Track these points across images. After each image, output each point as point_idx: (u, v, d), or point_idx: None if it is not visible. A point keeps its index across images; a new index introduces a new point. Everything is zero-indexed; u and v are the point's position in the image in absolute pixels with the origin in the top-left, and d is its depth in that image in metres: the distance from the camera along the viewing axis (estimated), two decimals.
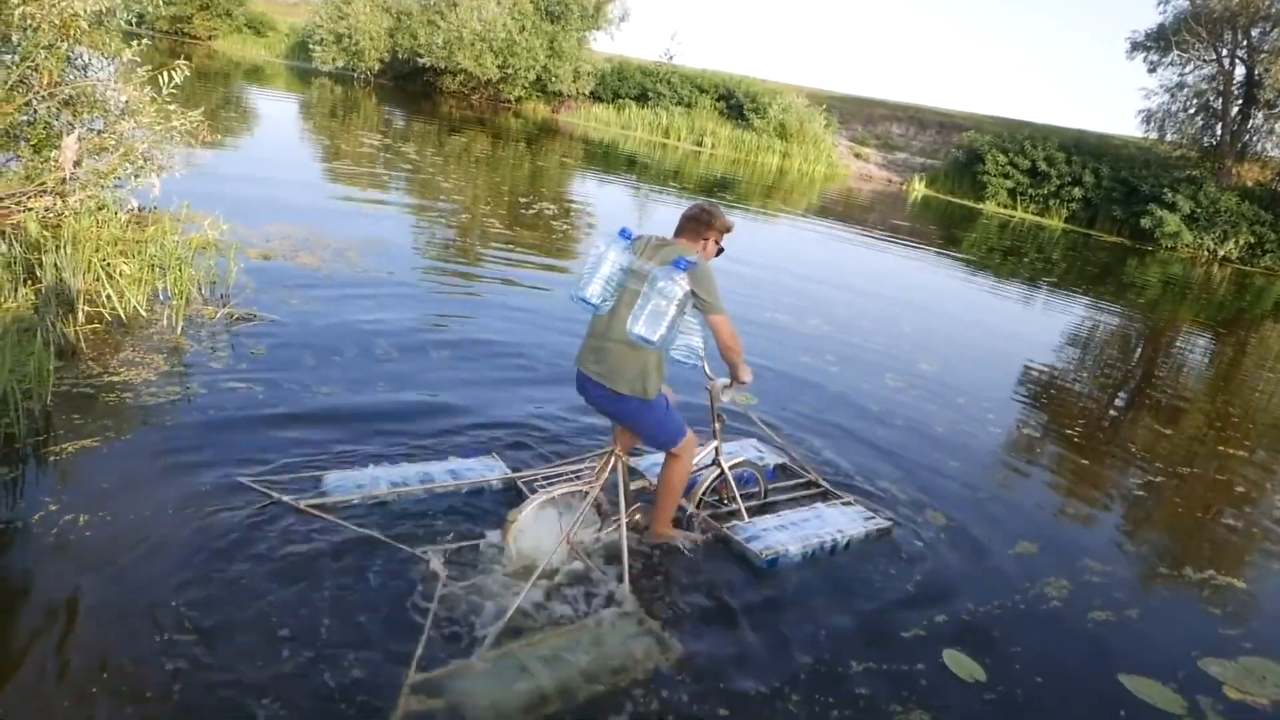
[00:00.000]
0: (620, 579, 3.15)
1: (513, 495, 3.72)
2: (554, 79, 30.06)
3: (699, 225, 3.30)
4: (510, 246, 8.91)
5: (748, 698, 2.72)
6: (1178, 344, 10.90)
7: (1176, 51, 25.78)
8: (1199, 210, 23.57)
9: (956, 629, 3.33)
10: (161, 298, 5.36)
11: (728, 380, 3.62)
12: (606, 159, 20.70)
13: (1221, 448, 6.33)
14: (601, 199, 13.78)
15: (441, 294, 6.91)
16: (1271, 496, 5.58)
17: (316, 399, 4.37)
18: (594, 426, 4.49)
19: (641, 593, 3.16)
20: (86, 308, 4.83)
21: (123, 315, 4.91)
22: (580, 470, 3.90)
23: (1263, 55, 23.88)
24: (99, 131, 6.29)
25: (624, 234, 3.25)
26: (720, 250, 3.39)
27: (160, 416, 3.90)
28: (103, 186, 6.07)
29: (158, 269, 5.45)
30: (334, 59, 31.17)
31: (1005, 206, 27.35)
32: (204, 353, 4.68)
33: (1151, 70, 26.78)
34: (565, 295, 4.48)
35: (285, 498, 3.36)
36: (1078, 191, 26.26)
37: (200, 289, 5.60)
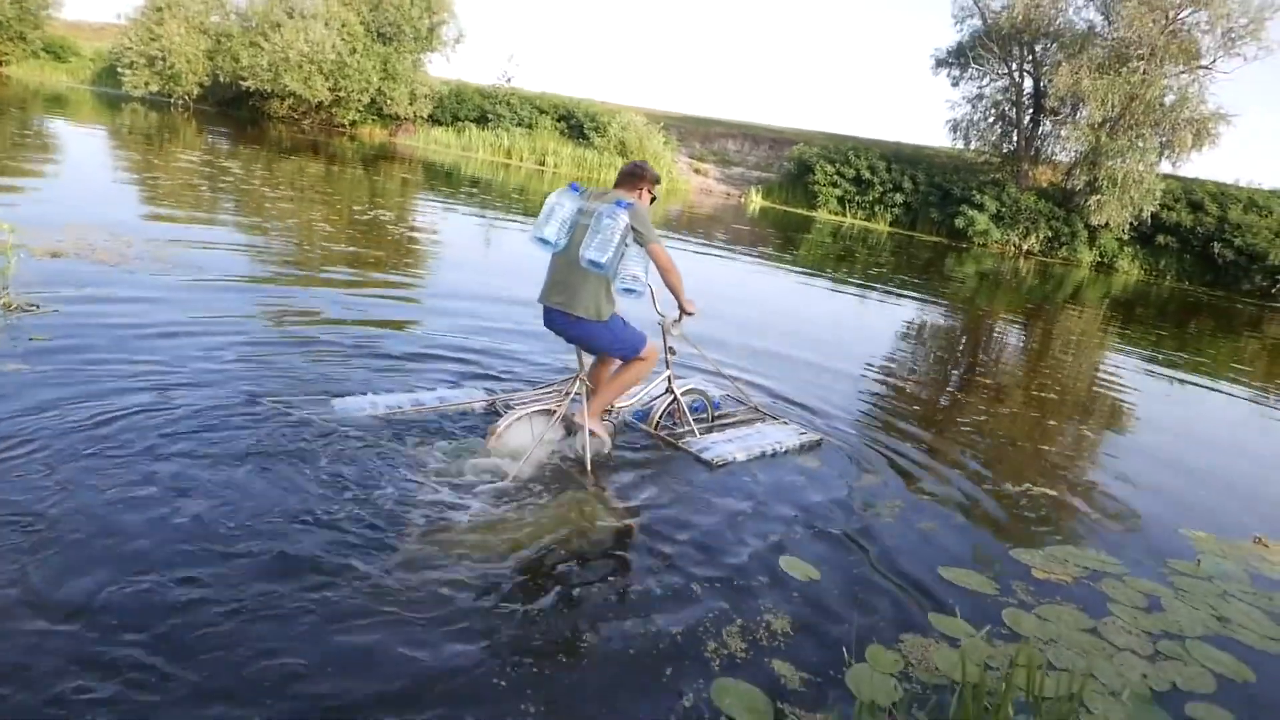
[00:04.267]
0: (583, 473, 3.89)
1: (493, 417, 4.24)
2: (389, 102, 29.43)
3: (634, 178, 4.02)
4: (336, 252, 8.41)
5: (677, 553, 3.36)
6: (996, 330, 11.82)
7: (974, 66, 28.24)
8: (1003, 209, 25.80)
9: (797, 539, 3.65)
10: None
11: (676, 315, 4.33)
12: (450, 179, 20.37)
13: (1039, 394, 6.92)
14: (447, 222, 13.45)
15: (252, 293, 6.11)
16: (1080, 444, 6.10)
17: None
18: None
19: (607, 479, 3.95)
20: None
21: None
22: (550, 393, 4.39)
23: (1045, 68, 26.49)
24: None
25: (573, 187, 3.91)
26: (654, 199, 4.10)
27: None
28: None
29: None
30: (146, 83, 29.16)
31: (836, 213, 28.97)
32: None
33: (954, 84, 29.21)
34: (388, 310, 5.45)
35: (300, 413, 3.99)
36: (899, 197, 28.18)
37: None
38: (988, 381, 7.95)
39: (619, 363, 4.17)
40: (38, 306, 5.02)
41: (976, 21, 28.11)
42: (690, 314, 4.27)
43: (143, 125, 21.48)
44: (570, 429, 4.17)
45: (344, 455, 3.65)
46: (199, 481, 3.23)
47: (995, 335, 11.35)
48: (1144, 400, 8.25)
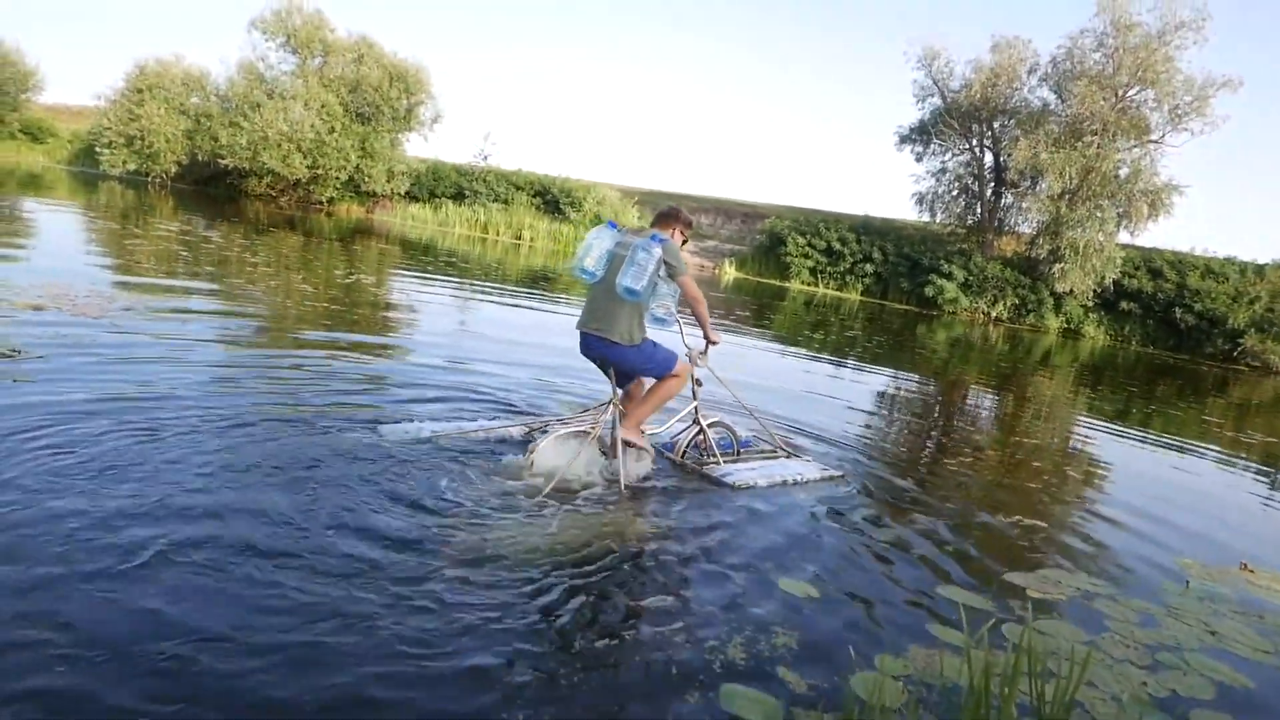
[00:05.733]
0: (620, 489, 4.13)
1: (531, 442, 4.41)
2: (367, 179, 29.87)
3: (668, 219, 4.36)
4: (310, 314, 8.40)
5: (693, 570, 3.48)
6: (973, 392, 12.02)
7: (936, 142, 29.33)
8: (971, 278, 26.44)
9: (804, 561, 3.71)
10: None
11: (702, 347, 4.62)
12: (427, 252, 20.57)
13: (1022, 443, 7.01)
14: (423, 296, 13.54)
15: (228, 352, 5.93)
16: (1065, 485, 6.15)
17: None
18: None
19: (635, 498, 4.18)
20: None
21: None
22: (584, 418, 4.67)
23: (1004, 143, 27.57)
24: None
25: (611, 225, 4.28)
26: (685, 240, 4.40)
27: None
28: None
29: None
30: (124, 162, 29.43)
31: (808, 284, 29.51)
32: None
33: (918, 159, 30.27)
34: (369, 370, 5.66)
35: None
36: (869, 267, 28.80)
37: None
38: (973, 436, 8.07)
39: (650, 383, 4.47)
40: (19, 352, 4.99)
41: (936, 100, 29.34)
42: (715, 343, 4.59)
43: (120, 202, 21.60)
44: (604, 451, 4.42)
45: (390, 473, 3.89)
46: (258, 495, 3.44)
47: (973, 397, 11.53)
48: (1120, 451, 8.39)
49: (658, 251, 4.00)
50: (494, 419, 5.11)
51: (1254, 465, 8.68)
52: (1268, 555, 5.04)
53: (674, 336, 4.71)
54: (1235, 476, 8.04)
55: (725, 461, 4.88)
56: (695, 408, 4.87)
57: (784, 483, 4.73)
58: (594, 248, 4.14)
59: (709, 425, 4.92)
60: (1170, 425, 10.92)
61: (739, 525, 4.00)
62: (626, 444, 4.31)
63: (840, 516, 4.41)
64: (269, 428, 4.31)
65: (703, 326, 4.46)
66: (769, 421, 5.80)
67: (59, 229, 13.74)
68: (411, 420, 4.72)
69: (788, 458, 5.25)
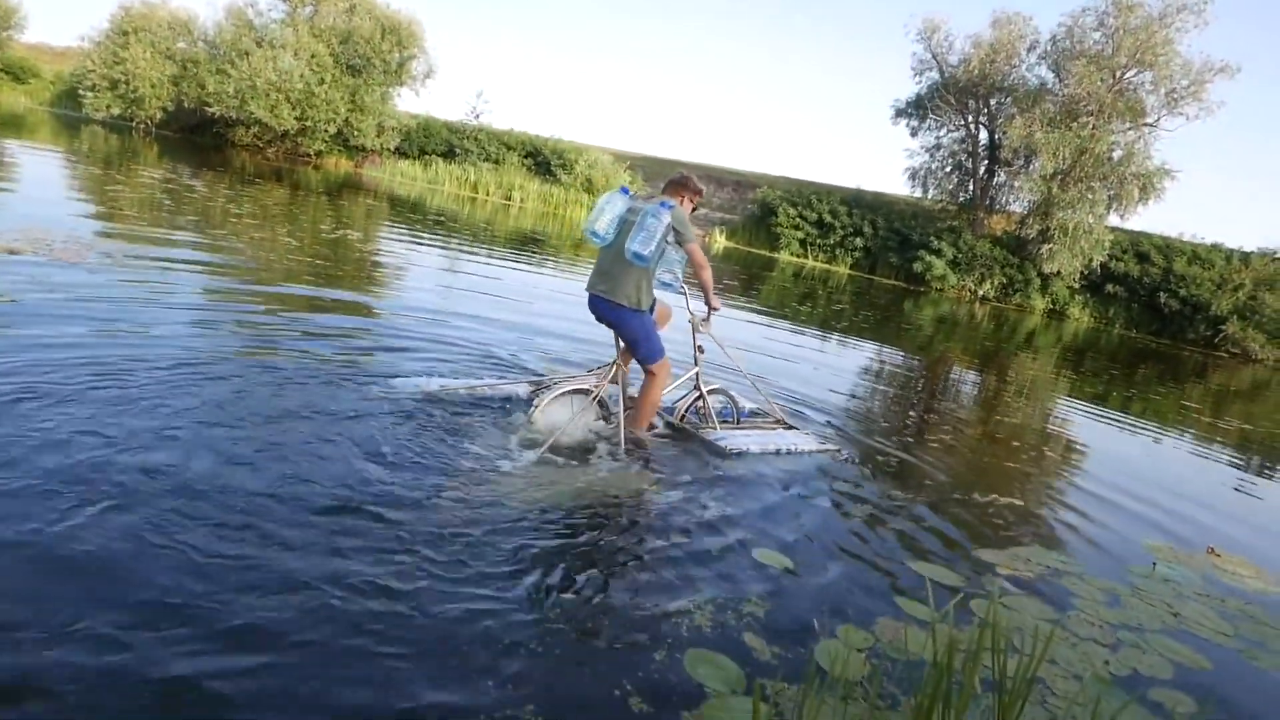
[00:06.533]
0: (617, 447, 4.25)
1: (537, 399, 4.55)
2: (356, 133, 29.43)
3: (678, 186, 4.45)
4: (294, 268, 8.32)
5: (699, 517, 3.72)
6: (958, 369, 12.06)
7: (932, 117, 29.16)
8: (960, 256, 26.45)
9: (779, 530, 3.73)
10: None
11: (705, 313, 4.70)
12: (415, 210, 20.34)
13: (1003, 422, 7.06)
14: (410, 254, 13.39)
15: (204, 295, 6.02)
16: (1042, 465, 6.23)
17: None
18: None
19: (632, 457, 4.26)
20: None
21: None
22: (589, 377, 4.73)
23: (1000, 121, 27.44)
24: None
25: (623, 190, 4.37)
26: (695, 208, 4.50)
27: None
28: None
29: None
30: (108, 106, 28.88)
31: (798, 255, 29.44)
32: None
33: (913, 134, 30.10)
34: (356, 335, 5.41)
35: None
36: (859, 241, 28.75)
37: None
38: (955, 413, 8.11)
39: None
40: None
41: (934, 74, 29.11)
42: (716, 309, 4.69)
43: (103, 147, 21.22)
44: (605, 410, 4.56)
45: (399, 423, 4.09)
46: (278, 436, 3.66)
47: (956, 375, 11.58)
48: (1099, 436, 8.46)
49: (666, 218, 4.09)
50: (501, 377, 5.31)
51: (1228, 451, 8.78)
52: (1236, 540, 5.11)
53: (678, 299, 4.84)
54: (1209, 462, 8.12)
55: (723, 428, 4.96)
56: (697, 374, 4.95)
57: (777, 451, 4.82)
58: (605, 212, 4.24)
59: (709, 392, 5.02)
60: (1149, 409, 11.01)
61: (724, 493, 4.05)
62: (637, 444, 4.46)
63: (820, 488, 4.44)
64: (237, 372, 4.40)
65: (705, 292, 4.57)
66: (770, 392, 5.85)
67: (39, 173, 13.49)
68: (421, 376, 4.90)
69: (786, 429, 5.30)
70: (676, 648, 2.55)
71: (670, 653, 2.51)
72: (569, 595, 2.80)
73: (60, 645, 2.05)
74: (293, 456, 3.46)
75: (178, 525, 2.71)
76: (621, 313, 4.28)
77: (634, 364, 4.64)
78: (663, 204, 4.16)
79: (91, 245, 7.09)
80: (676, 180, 4.47)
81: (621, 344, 4.50)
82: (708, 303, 4.65)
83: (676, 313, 4.87)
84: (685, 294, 4.76)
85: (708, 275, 4.42)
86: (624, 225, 4.22)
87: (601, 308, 4.35)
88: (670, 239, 4.20)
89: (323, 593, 2.50)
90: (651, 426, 4.75)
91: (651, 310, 4.43)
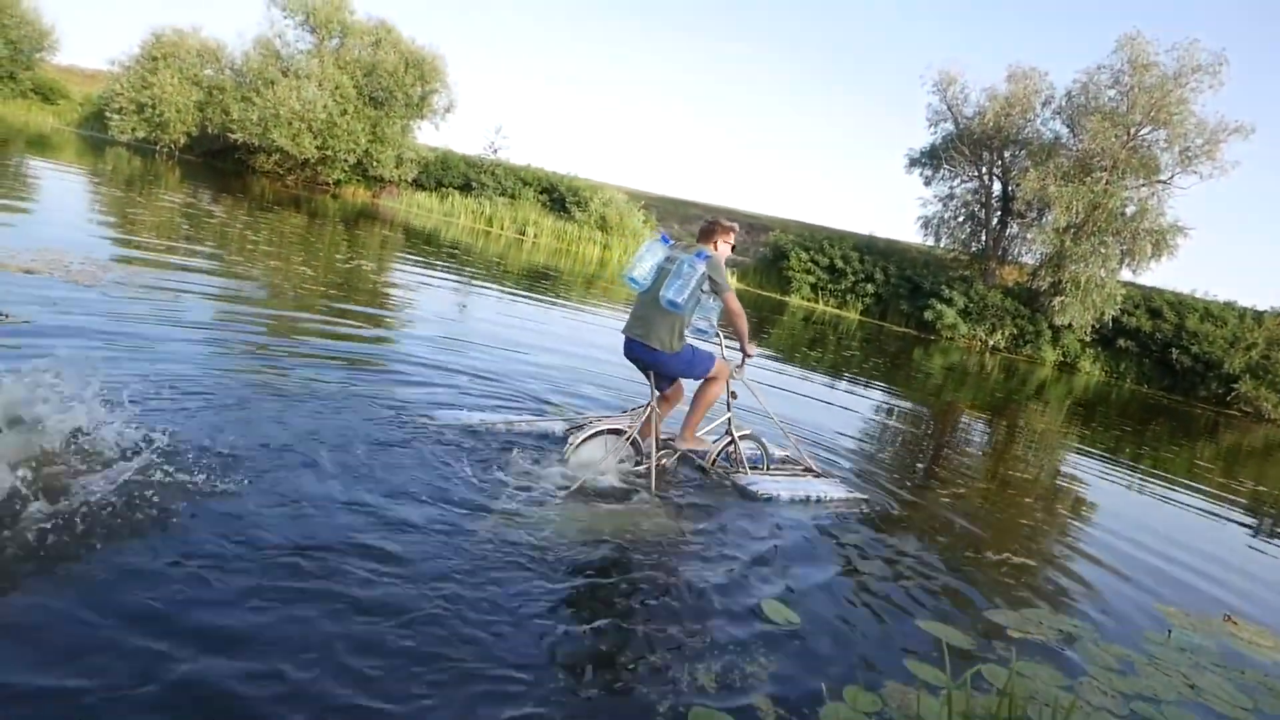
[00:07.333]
0: (649, 489, 4.35)
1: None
2: (375, 164, 29.81)
3: (708, 234, 4.59)
4: (314, 292, 8.34)
5: (718, 563, 3.72)
6: (968, 420, 11.98)
7: (946, 167, 29.37)
8: (971, 305, 26.44)
9: (790, 584, 3.67)
10: None
11: (739, 359, 4.82)
12: (430, 241, 20.48)
13: (1013, 477, 6.97)
14: (423, 286, 13.46)
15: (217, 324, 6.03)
16: (1054, 523, 6.15)
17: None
18: None
19: (658, 500, 4.32)
20: None
21: None
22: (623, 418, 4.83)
23: (1014, 173, 27.59)
24: None
25: (664, 239, 4.54)
26: (732, 247, 4.65)
27: None
28: None
29: None
30: (134, 129, 29.37)
31: (808, 299, 29.50)
32: None
33: (927, 183, 30.33)
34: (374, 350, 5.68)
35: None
36: (870, 287, 28.80)
37: None
38: (965, 465, 8.02)
39: (682, 393, 4.81)
40: (7, 316, 4.93)
41: (949, 125, 29.39)
42: (750, 356, 4.79)
43: (126, 169, 21.50)
44: (638, 449, 4.64)
45: (440, 453, 4.26)
46: (331, 459, 3.83)
47: (967, 425, 11.49)
48: (1110, 492, 8.35)
49: (701, 267, 4.23)
50: (539, 415, 5.49)
51: (1240, 513, 8.65)
52: (1251, 607, 5.00)
53: (714, 348, 4.91)
54: (1221, 524, 8.00)
55: (754, 474, 5.01)
56: (729, 419, 5.01)
57: (807, 499, 4.88)
58: (645, 259, 4.42)
59: (741, 437, 5.07)
60: (1160, 466, 10.88)
61: (743, 540, 4.07)
62: (690, 453, 4.75)
63: (834, 539, 4.40)
64: (241, 400, 4.41)
65: (740, 340, 4.70)
66: (800, 440, 5.90)
67: (61, 193, 13.65)
68: (462, 410, 5.09)
69: (815, 476, 5.34)
70: (679, 705, 2.48)
71: (674, 707, 2.45)
72: (577, 642, 2.77)
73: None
74: (322, 482, 3.55)
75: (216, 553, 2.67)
76: (657, 355, 4.43)
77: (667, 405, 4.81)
78: (699, 254, 4.28)
79: (107, 268, 7.13)
80: (706, 228, 4.60)
81: (655, 388, 4.61)
82: (742, 350, 4.77)
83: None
84: (720, 341, 4.87)
85: (743, 324, 4.56)
86: (661, 273, 4.37)
87: (638, 350, 4.49)
88: (706, 288, 4.33)
89: (337, 619, 2.54)
90: (697, 455, 4.92)
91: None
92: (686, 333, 4.50)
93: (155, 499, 2.96)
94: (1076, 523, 6.50)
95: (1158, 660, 3.67)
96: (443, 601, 2.78)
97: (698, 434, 5.07)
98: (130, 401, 3.93)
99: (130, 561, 2.61)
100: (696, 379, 4.67)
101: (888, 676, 2.95)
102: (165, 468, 3.21)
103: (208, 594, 2.53)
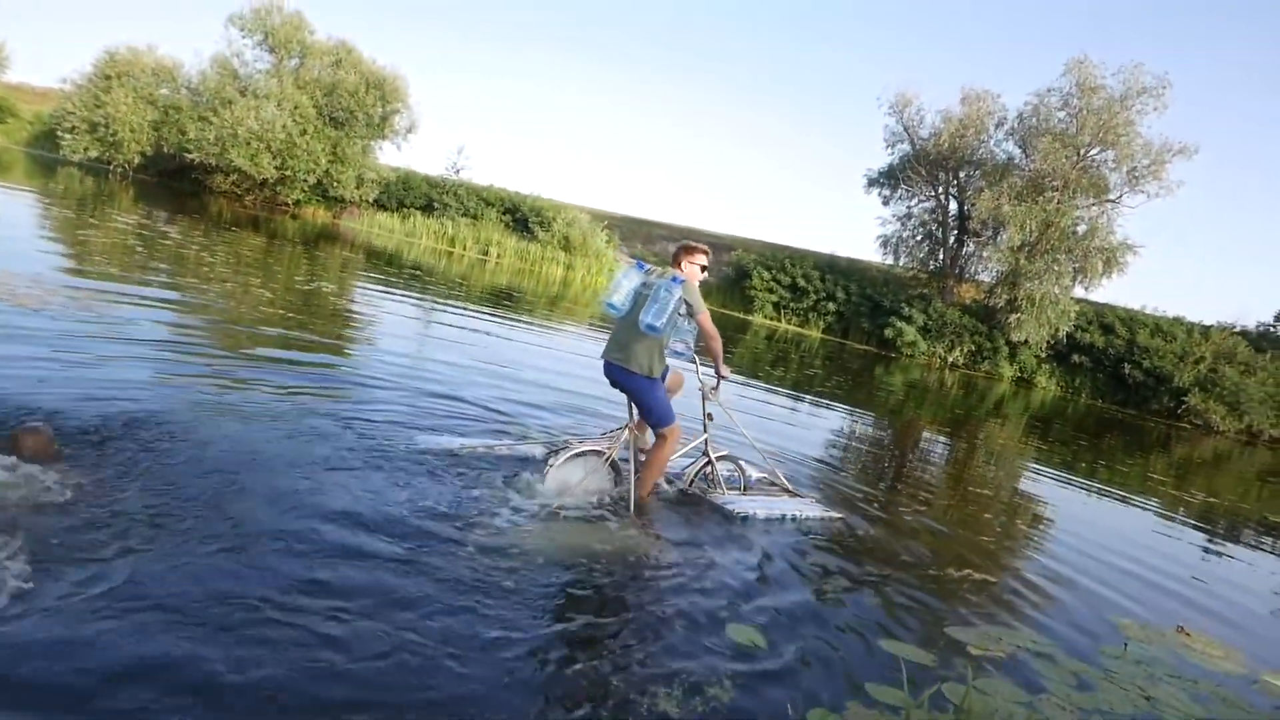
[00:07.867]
0: (628, 508, 4.47)
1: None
2: (336, 184, 29.51)
3: (682, 256, 4.67)
4: (266, 320, 8.24)
5: (689, 585, 3.78)
6: (929, 436, 12.14)
7: (903, 187, 29.91)
8: (930, 323, 26.86)
9: (756, 605, 3.71)
10: None
11: (714, 382, 4.93)
12: (391, 262, 20.32)
13: (973, 493, 7.07)
14: (385, 307, 13.34)
15: (170, 340, 5.95)
16: (1013, 537, 6.25)
17: None
18: None
19: (633, 520, 4.42)
20: None
21: None
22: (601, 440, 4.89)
23: (969, 193, 28.18)
24: None
25: (640, 265, 4.66)
26: (705, 269, 4.71)
27: None
28: None
29: None
30: (86, 148, 28.74)
31: (771, 318, 29.75)
32: None
33: (885, 203, 30.83)
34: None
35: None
36: (832, 306, 29.14)
37: None
38: (926, 481, 8.12)
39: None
40: None
41: (906, 146, 29.94)
42: (725, 377, 4.90)
43: (78, 189, 21.07)
44: (616, 471, 4.73)
45: (422, 476, 4.34)
46: (287, 486, 3.81)
47: (928, 442, 11.64)
48: (1065, 504, 8.50)
49: (678, 292, 4.34)
50: (521, 439, 5.54)
51: (1192, 524, 8.85)
52: (1203, 616, 5.11)
53: (689, 367, 5.02)
54: (1174, 535, 8.18)
55: (730, 494, 5.13)
56: (705, 440, 5.12)
57: (783, 518, 5.00)
58: (622, 285, 4.52)
59: (718, 458, 5.20)
60: (1115, 479, 11.11)
61: (713, 560, 4.15)
62: (640, 509, 4.65)
63: (799, 559, 4.46)
64: (189, 426, 4.30)
65: (715, 362, 4.82)
66: (775, 461, 5.99)
67: (9, 214, 13.33)
68: (444, 434, 5.15)
69: (791, 496, 5.46)
70: None
71: None
72: (543, 661, 2.79)
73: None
74: (300, 505, 3.59)
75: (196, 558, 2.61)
76: (635, 380, 4.51)
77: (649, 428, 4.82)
78: (674, 279, 4.39)
79: (55, 291, 6.97)
80: (677, 253, 4.71)
81: (633, 411, 4.70)
82: (717, 372, 4.87)
83: (687, 379, 5.10)
84: (696, 363, 4.94)
85: (717, 346, 4.66)
86: (639, 298, 4.48)
87: (616, 374, 4.58)
88: (682, 311, 4.43)
89: (315, 640, 2.60)
90: (656, 488, 4.93)
91: (664, 377, 4.64)
92: (665, 353, 4.58)
93: (101, 539, 2.88)
94: (1036, 536, 6.61)
95: (1114, 674, 3.74)
96: (411, 633, 2.77)
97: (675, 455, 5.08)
98: (81, 433, 3.85)
99: (74, 607, 2.54)
100: (653, 423, 4.65)
101: (849, 697, 2.97)
102: (114, 505, 3.13)
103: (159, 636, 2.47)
